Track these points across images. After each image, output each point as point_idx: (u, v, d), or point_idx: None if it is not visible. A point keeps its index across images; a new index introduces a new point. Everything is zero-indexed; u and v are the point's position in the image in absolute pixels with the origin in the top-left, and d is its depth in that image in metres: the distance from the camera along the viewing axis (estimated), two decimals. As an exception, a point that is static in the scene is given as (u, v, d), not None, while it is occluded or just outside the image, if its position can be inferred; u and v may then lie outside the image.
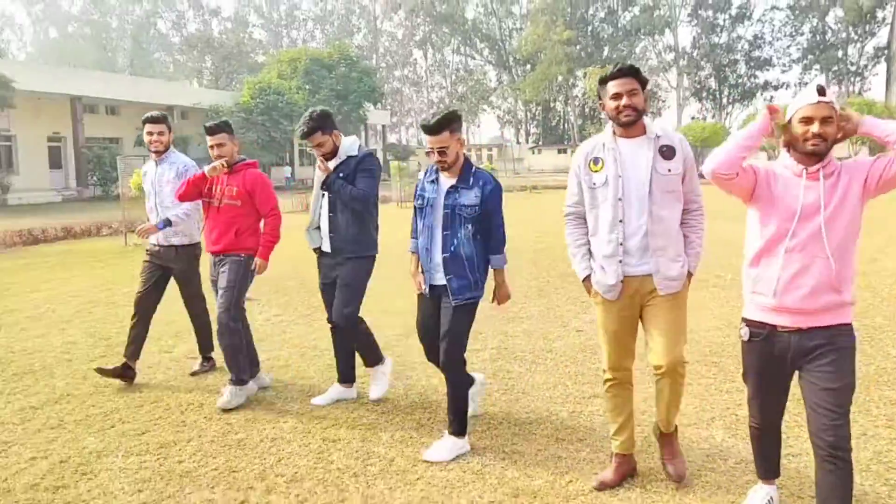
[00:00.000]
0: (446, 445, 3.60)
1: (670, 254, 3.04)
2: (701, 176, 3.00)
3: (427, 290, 3.67)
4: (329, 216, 4.20)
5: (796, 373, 2.65)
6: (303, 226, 4.39)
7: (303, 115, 4.19)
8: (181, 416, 4.21)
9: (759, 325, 2.65)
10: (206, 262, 4.78)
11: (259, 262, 4.49)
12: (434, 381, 4.76)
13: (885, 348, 5.21)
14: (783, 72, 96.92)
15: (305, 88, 39.53)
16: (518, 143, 68.82)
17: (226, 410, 4.23)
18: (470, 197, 3.52)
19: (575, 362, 5.12)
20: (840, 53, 60.59)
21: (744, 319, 2.71)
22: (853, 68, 61.20)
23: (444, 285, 3.58)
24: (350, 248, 4.18)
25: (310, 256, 4.47)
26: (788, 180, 2.58)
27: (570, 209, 3.26)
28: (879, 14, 56.64)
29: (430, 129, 3.48)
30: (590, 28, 64.11)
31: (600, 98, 3.12)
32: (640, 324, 3.16)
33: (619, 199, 3.03)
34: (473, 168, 3.62)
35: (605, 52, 63.40)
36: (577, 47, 60.26)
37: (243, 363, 4.39)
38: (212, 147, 4.46)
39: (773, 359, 2.64)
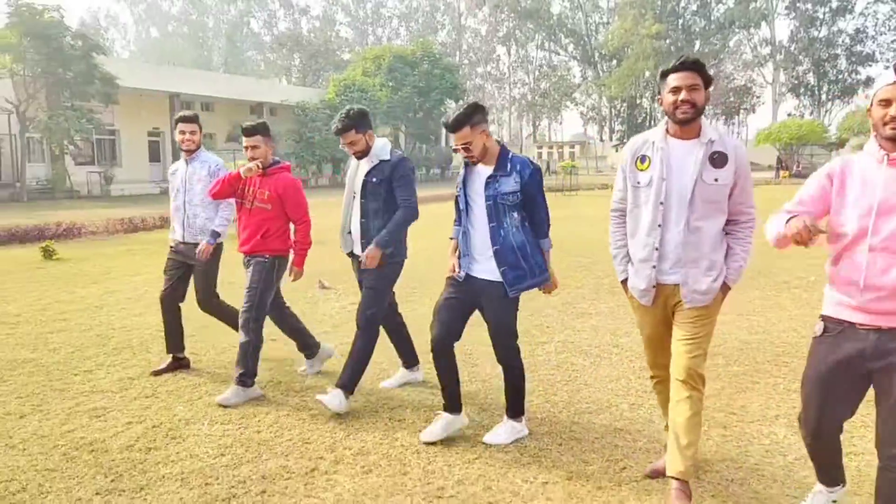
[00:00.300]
0: (505, 429, 3.73)
1: (702, 266, 2.92)
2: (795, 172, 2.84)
3: (462, 275, 3.63)
4: (361, 221, 4.19)
5: (865, 390, 2.48)
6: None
7: (338, 113, 4.21)
8: (261, 390, 4.51)
9: (836, 322, 2.48)
10: (228, 262, 5.06)
11: (296, 270, 4.56)
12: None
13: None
14: (886, 68, 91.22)
15: (389, 85, 40.27)
16: (602, 140, 67.79)
17: (225, 406, 4.25)
18: (510, 183, 3.48)
19: (640, 358, 5.14)
20: (953, 47, 56.59)
21: (821, 316, 2.56)
22: (967, 63, 57.01)
23: (486, 279, 3.56)
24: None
25: None
26: (867, 171, 2.41)
27: (616, 205, 3.20)
28: None
29: (450, 127, 3.47)
30: (680, 21, 62.23)
31: (660, 92, 2.98)
32: None
33: (661, 203, 2.92)
34: (510, 154, 3.58)
35: (697, 47, 61.47)
36: (667, 41, 58.66)
37: (252, 365, 4.39)
38: (246, 148, 4.49)
39: (844, 358, 2.43)
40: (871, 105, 2.41)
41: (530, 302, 7.16)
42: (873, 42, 60.25)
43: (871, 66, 61.01)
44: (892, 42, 59.83)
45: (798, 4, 59.79)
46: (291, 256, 4.60)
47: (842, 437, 2.65)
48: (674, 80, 2.86)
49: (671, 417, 2.96)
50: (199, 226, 4.94)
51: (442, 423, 3.70)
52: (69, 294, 7.90)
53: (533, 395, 4.40)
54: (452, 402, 3.73)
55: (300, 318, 5.05)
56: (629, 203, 3.08)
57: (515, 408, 3.76)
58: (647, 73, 57.87)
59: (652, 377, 3.32)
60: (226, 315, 5.06)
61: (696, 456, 2.97)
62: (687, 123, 2.87)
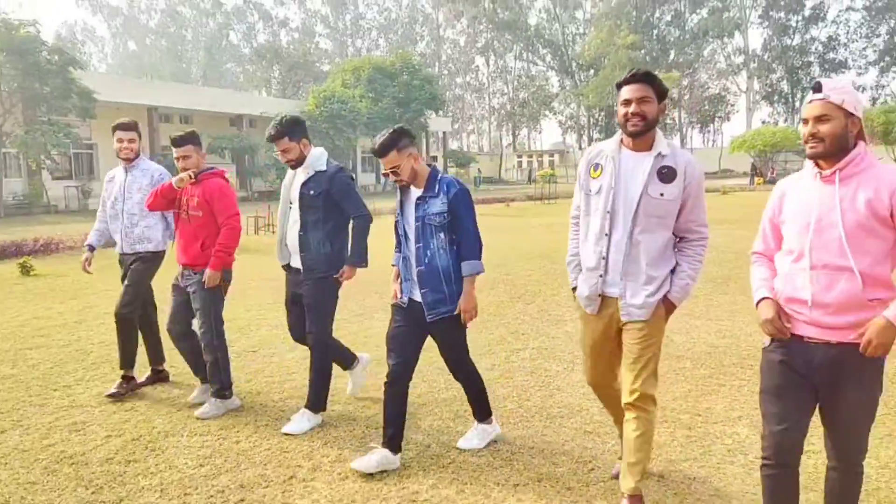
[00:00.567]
0: (477, 433, 3.83)
1: (640, 281, 2.89)
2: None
3: (405, 300, 3.59)
4: (300, 234, 4.09)
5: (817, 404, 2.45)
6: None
7: (273, 121, 4.16)
8: (240, 401, 4.58)
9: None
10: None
11: (207, 272, 4.32)
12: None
13: (931, 355, 5.17)
14: (859, 74, 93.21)
15: (368, 96, 40.40)
16: (580, 148, 68.31)
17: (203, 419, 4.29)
18: (437, 204, 3.46)
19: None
20: (921, 54, 57.91)
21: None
22: (935, 69, 58.39)
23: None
24: (322, 267, 4.09)
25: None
26: (805, 189, 2.41)
27: (574, 212, 3.20)
28: (964, 12, 53.93)
29: (377, 153, 3.46)
30: (655, 31, 63.18)
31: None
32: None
33: (608, 212, 2.91)
34: (439, 175, 3.56)
35: (672, 56, 62.40)
36: (643, 52, 59.44)
37: (226, 378, 4.39)
38: (177, 159, 4.40)
39: (793, 371, 2.39)
40: (800, 124, 2.43)
41: (507, 310, 7.30)
42: (845, 49, 61.63)
43: (843, 72, 62.31)
44: (864, 49, 61.23)
45: (771, 13, 60.97)
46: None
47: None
48: (625, 92, 2.84)
49: (624, 435, 2.98)
50: (136, 235, 4.85)
51: (378, 458, 3.50)
52: (47, 310, 7.91)
53: (507, 400, 4.52)
54: (393, 442, 3.56)
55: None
56: (582, 210, 3.09)
57: (481, 411, 3.84)
58: (624, 82, 58.44)
59: (591, 387, 3.33)
60: (147, 335, 5.06)
61: (646, 470, 3.03)
62: (637, 136, 2.85)
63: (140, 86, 34.59)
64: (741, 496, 3.17)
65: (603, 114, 64.63)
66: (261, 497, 3.28)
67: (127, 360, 4.82)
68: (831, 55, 61.62)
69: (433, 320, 3.51)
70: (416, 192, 3.54)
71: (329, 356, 4.29)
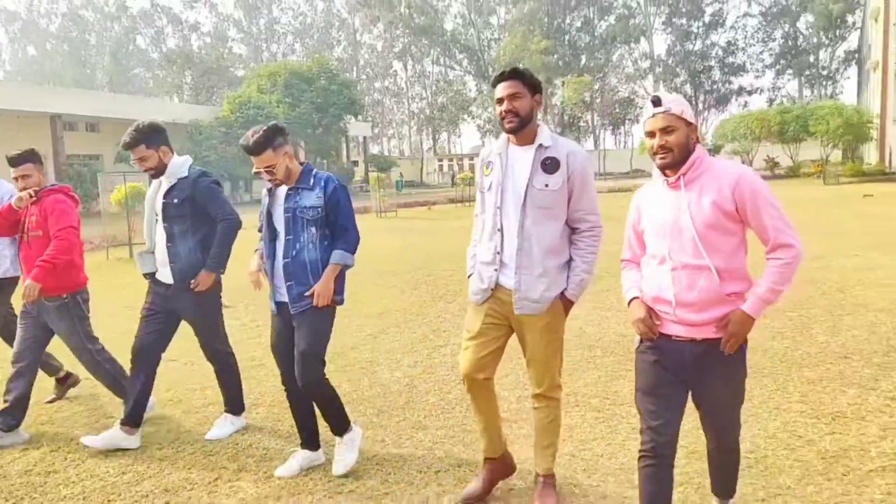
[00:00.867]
0: (348, 444, 3.56)
1: (535, 273, 2.92)
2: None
3: (275, 307, 3.51)
4: (168, 246, 3.93)
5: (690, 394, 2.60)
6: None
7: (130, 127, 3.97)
8: (161, 410, 4.56)
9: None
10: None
11: (28, 283, 3.99)
12: (397, 374, 5.16)
13: (815, 335, 5.67)
14: (757, 77, 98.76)
15: (286, 102, 39.87)
16: (499, 151, 69.41)
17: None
18: (311, 198, 3.40)
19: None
20: (812, 58, 61.78)
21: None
22: (825, 72, 62.38)
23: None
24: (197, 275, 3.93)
25: None
26: (658, 196, 2.55)
27: (476, 211, 3.24)
28: (850, 18, 57.85)
29: (251, 151, 3.33)
30: (567, 37, 64.93)
31: None
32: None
33: (498, 208, 2.97)
34: (315, 171, 3.51)
35: (583, 61, 64.29)
36: (555, 56, 61.02)
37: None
38: (16, 178, 4.19)
39: (664, 368, 2.51)
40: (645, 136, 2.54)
41: (429, 309, 7.47)
42: (743, 53, 64.96)
43: (742, 75, 65.75)
44: (761, 53, 64.71)
45: (674, 20, 63.70)
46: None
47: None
48: (498, 91, 2.90)
49: (534, 422, 3.12)
50: None
51: (299, 461, 3.56)
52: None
53: (429, 394, 4.68)
54: (311, 442, 3.61)
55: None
56: (478, 208, 3.16)
57: (339, 425, 3.54)
58: (539, 86, 59.92)
59: (464, 381, 3.14)
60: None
61: (557, 451, 3.19)
62: (515, 132, 2.92)
63: (41, 92, 32.95)
64: (644, 468, 3.43)
65: (520, 117, 65.83)
66: (186, 499, 3.31)
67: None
68: (730, 59, 64.89)
69: (297, 313, 3.41)
70: (285, 185, 3.46)
71: (234, 363, 4.25)
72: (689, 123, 2.44)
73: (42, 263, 4.00)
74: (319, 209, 3.40)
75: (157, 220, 4.00)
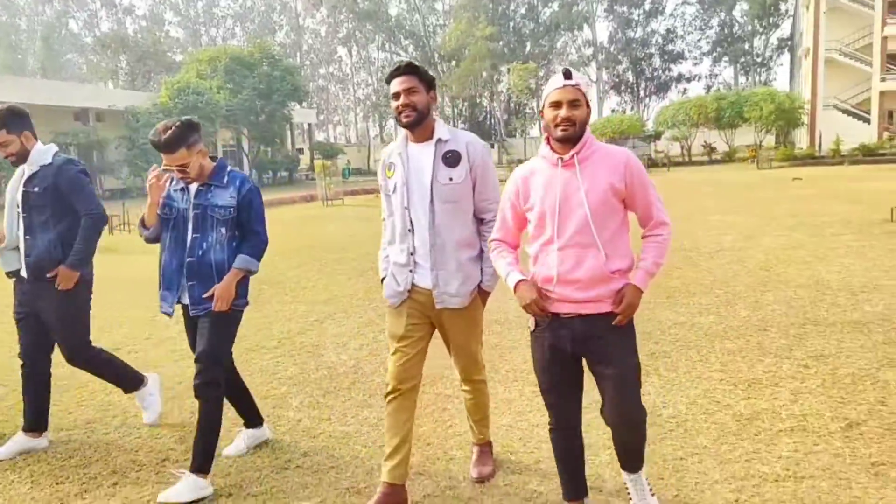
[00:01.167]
0: (187, 485, 3.18)
1: (451, 268, 2.91)
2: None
3: (169, 310, 3.35)
4: (26, 238, 3.68)
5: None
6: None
7: None
8: (106, 397, 4.59)
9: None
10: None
11: None
12: (343, 357, 5.29)
13: (738, 310, 6.03)
14: (695, 64, 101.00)
15: (227, 88, 39.10)
16: (446, 138, 69.57)
17: None
18: (224, 197, 3.26)
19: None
20: (747, 45, 63.75)
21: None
22: (759, 59, 64.51)
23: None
24: (55, 269, 3.65)
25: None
26: (546, 174, 2.55)
27: (383, 215, 3.18)
28: (783, 6, 59.99)
29: (163, 148, 3.13)
30: (511, 24, 65.38)
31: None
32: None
33: (406, 208, 2.93)
34: (229, 168, 3.38)
35: (528, 48, 64.85)
36: (500, 43, 61.39)
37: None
38: None
39: (557, 346, 2.57)
40: (543, 107, 2.52)
41: (375, 294, 7.58)
42: (682, 41, 66.57)
43: (681, 63, 67.43)
44: (699, 41, 66.40)
45: (615, 7, 64.78)
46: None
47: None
48: (394, 85, 2.87)
49: (466, 404, 3.26)
50: None
51: (244, 438, 3.64)
52: None
53: (374, 374, 4.83)
54: (251, 418, 3.67)
55: None
56: (386, 211, 3.11)
57: (201, 460, 3.23)
58: (484, 74, 60.27)
59: (389, 393, 3.02)
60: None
61: (489, 422, 3.34)
62: (412, 127, 2.89)
63: (-33, 78, 31.54)
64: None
65: (466, 104, 66.27)
66: (134, 479, 3.40)
67: None
68: (670, 47, 66.42)
69: (196, 315, 3.28)
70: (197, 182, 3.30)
71: (100, 370, 3.94)
72: (588, 105, 2.51)
73: None
74: (231, 209, 3.26)
75: (18, 210, 3.72)
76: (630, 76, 67.71)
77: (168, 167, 3.19)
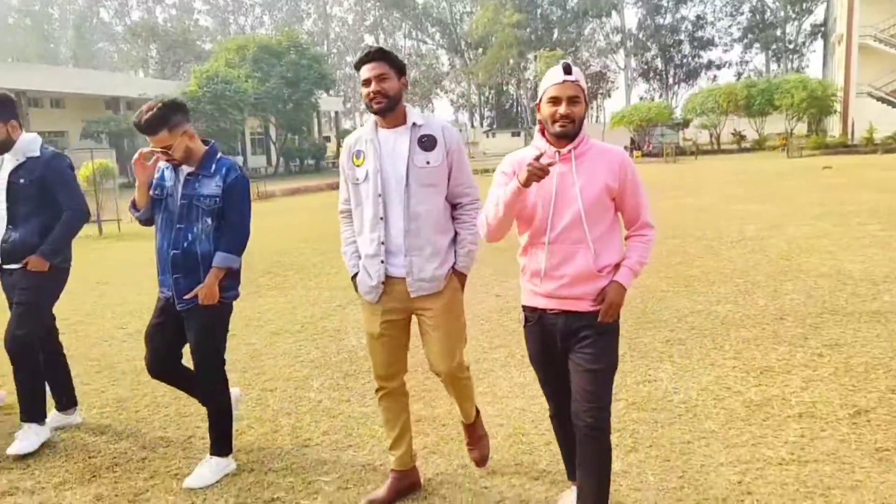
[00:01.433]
0: (210, 467, 3.29)
1: (426, 253, 2.84)
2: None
3: (162, 297, 3.29)
4: (7, 228, 3.67)
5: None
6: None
7: None
8: (136, 377, 4.78)
9: (532, 310, 2.60)
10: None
11: None
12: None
13: (756, 299, 6.04)
14: (725, 51, 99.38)
15: (255, 76, 39.48)
16: (472, 126, 69.58)
17: None
18: (210, 186, 3.18)
19: (489, 321, 5.84)
20: (779, 32, 62.62)
21: (522, 307, 2.66)
22: (791, 46, 63.36)
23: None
24: (28, 257, 3.62)
25: (252, 238, 4.25)
26: None
27: (342, 206, 3.08)
28: (816, -9, 58.77)
29: (144, 130, 3.08)
30: (539, 11, 64.90)
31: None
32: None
33: (380, 196, 2.82)
34: (219, 155, 3.28)
35: (555, 35, 64.41)
36: (528, 30, 61.10)
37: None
38: None
39: (546, 342, 2.58)
40: (540, 102, 2.47)
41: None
42: (712, 27, 65.66)
43: (711, 49, 66.54)
44: (730, 27, 65.43)
45: (644, -7, 63.98)
46: None
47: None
48: (364, 72, 2.79)
49: (450, 394, 3.10)
50: None
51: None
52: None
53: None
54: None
55: None
56: (353, 202, 2.96)
57: (221, 445, 3.35)
58: (511, 61, 60.04)
59: (378, 390, 3.06)
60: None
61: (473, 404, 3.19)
62: (384, 113, 2.81)
63: (5, 68, 32.31)
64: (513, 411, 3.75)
65: (493, 91, 66.14)
66: (162, 455, 3.57)
67: None
68: (700, 33, 65.54)
69: (183, 309, 3.21)
70: (187, 167, 3.23)
71: (37, 363, 3.70)
72: (587, 101, 2.48)
73: None
74: (217, 199, 3.18)
75: None
76: (659, 63, 66.93)
77: (154, 149, 3.13)
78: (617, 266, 2.51)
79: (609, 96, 71.22)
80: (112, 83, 37.50)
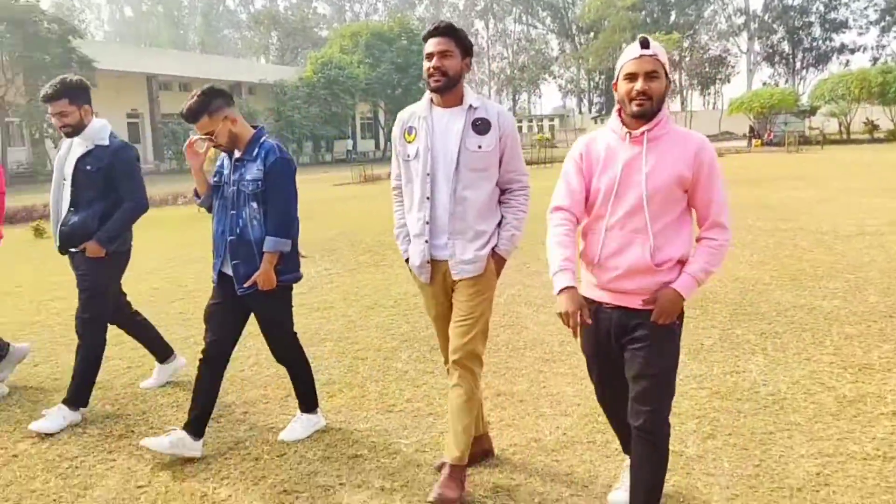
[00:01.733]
0: (301, 423, 3.56)
1: (468, 236, 2.80)
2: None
3: (216, 277, 3.33)
4: (70, 210, 3.76)
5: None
6: (357, 196, 4.80)
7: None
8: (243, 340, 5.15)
9: (589, 302, 2.43)
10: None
11: None
12: (328, 347, 5.59)
13: (866, 296, 5.72)
14: (860, 34, 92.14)
15: (367, 62, 40.52)
16: (580, 112, 68.35)
17: None
18: (252, 170, 3.19)
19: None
20: (923, 13, 57.47)
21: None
22: (937, 28, 58.00)
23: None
24: (86, 242, 3.72)
25: (356, 218, 4.51)
26: (611, 148, 2.37)
27: (394, 183, 3.07)
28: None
29: (186, 118, 3.17)
30: (656, -8, 62.67)
31: None
32: None
33: (428, 175, 2.79)
34: (262, 138, 3.28)
35: (672, 18, 61.99)
36: (643, 13, 59.17)
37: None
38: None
39: (601, 336, 2.44)
40: (617, 80, 2.34)
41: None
42: (846, 9, 61.19)
43: (844, 32, 62.04)
44: (866, 8, 60.71)
45: (772, -27, 60.37)
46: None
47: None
48: (428, 45, 2.73)
49: (449, 401, 2.90)
50: None
51: (172, 439, 3.23)
52: (65, 267, 8.47)
53: (479, 336, 5.09)
54: (197, 425, 3.30)
55: None
56: (403, 179, 2.96)
57: (307, 401, 3.58)
58: (624, 45, 58.28)
59: (446, 362, 3.01)
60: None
61: (471, 437, 2.89)
62: (441, 91, 2.76)
63: (138, 53, 34.88)
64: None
65: (603, 77, 64.55)
66: (262, 410, 3.88)
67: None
68: (832, 15, 61.18)
69: (244, 294, 3.25)
70: (236, 154, 3.28)
71: (99, 346, 3.83)
72: (667, 76, 2.30)
73: None
74: (259, 183, 3.18)
75: (64, 183, 3.78)
76: (785, 46, 63.09)
77: (201, 137, 3.21)
78: (680, 262, 2.33)
79: (728, 81, 67.89)
80: (236, 69, 39.62)
